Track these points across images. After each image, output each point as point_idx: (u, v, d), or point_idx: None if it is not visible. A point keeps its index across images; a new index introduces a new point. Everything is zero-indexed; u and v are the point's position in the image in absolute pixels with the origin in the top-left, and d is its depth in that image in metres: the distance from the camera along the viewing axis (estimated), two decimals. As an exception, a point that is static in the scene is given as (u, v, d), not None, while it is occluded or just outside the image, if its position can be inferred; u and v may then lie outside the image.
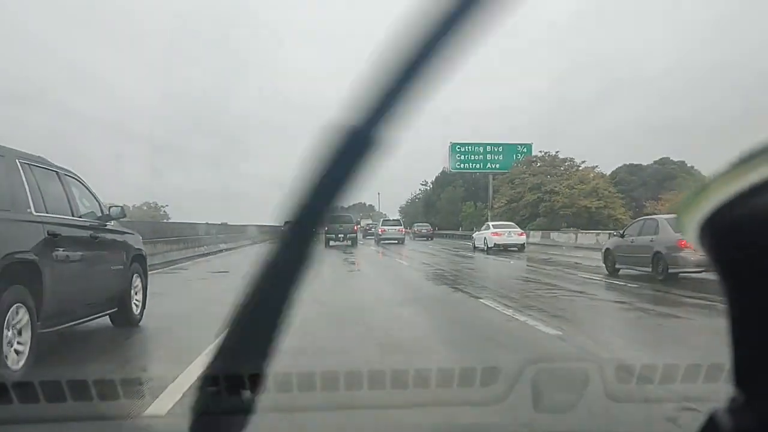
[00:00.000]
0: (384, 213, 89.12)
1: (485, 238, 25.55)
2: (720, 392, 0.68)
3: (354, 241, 29.48)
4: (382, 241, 34.10)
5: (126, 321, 6.38)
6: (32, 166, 4.95)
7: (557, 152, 47.54)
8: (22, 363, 4.16)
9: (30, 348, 4.27)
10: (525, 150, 50.36)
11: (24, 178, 4.71)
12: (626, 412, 3.17)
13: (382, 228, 35.91)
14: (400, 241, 33.75)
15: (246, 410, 0.78)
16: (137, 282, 6.71)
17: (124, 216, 6.56)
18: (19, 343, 4.17)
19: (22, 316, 4.21)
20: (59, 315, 4.84)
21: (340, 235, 28.72)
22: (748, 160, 0.56)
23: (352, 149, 0.72)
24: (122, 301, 6.28)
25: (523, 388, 2.78)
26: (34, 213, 4.68)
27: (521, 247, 25.05)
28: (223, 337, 0.75)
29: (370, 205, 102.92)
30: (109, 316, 6.20)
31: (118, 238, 6.40)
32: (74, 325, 5.30)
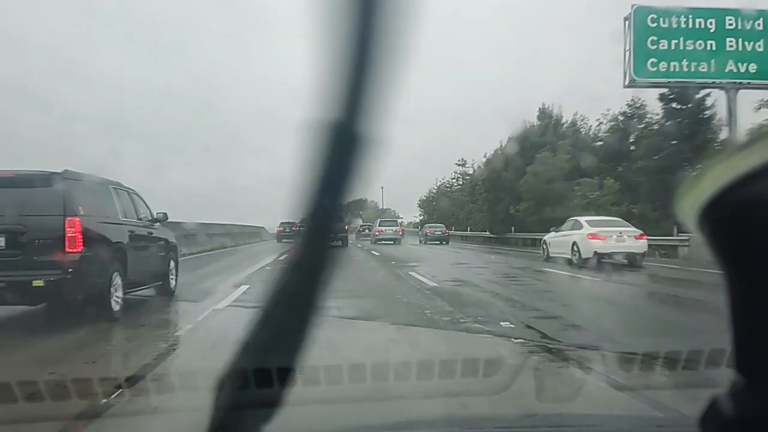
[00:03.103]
0: (393, 210, 79.85)
1: (575, 243, 15.73)
2: (721, 377, 1.05)
3: (345, 242, 28.75)
4: (378, 242, 33.40)
5: (166, 292, 9.25)
6: (117, 188, 7.84)
7: None
8: (118, 309, 7.01)
9: (122, 302, 7.12)
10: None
11: (114, 198, 7.59)
12: (627, 400, 3.15)
13: (378, 228, 35.35)
14: (397, 242, 33.60)
15: (272, 403, 0.81)
16: (172, 265, 9.58)
17: (167, 219, 9.42)
18: (116, 298, 7.02)
19: (118, 281, 7.07)
20: (133, 284, 7.69)
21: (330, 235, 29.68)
22: (752, 143, 0.56)
23: (338, 147, 0.69)
24: (164, 277, 9.15)
25: (526, 378, 2.85)
26: (121, 219, 7.56)
27: (638, 260, 15.47)
28: (249, 333, 0.77)
29: (373, 202, 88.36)
30: (155, 288, 9.06)
31: (162, 234, 9.26)
32: (138, 291, 8.17)
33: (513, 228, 34.79)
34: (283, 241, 39.22)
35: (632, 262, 15.43)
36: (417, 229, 50.12)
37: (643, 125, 30.86)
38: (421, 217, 63.03)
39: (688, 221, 0.62)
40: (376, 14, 0.64)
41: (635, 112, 31.44)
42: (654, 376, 3.50)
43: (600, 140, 34.58)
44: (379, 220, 39.04)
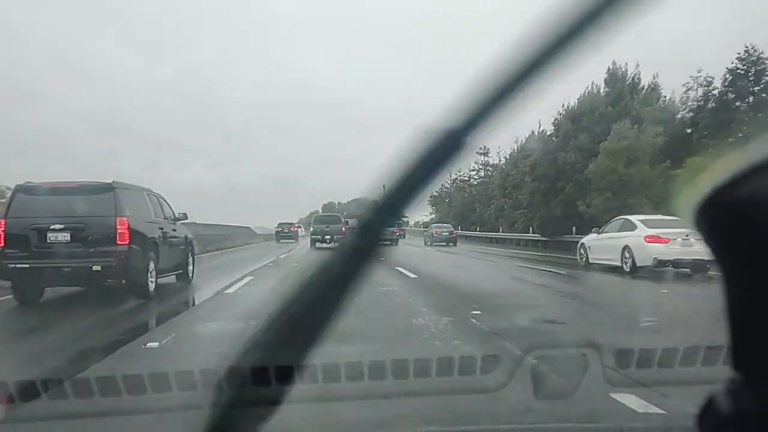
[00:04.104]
0: None
1: (627, 248, 13.25)
2: (719, 374, 0.67)
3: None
4: None
5: (185, 279, 11.09)
6: (148, 194, 9.68)
7: None
8: (152, 289, 8.85)
9: (155, 284, 8.96)
10: None
11: (148, 201, 9.44)
12: (625, 397, 3.13)
13: None
14: (393, 242, 32.71)
15: (273, 401, 0.79)
16: (190, 257, 11.42)
17: (186, 218, 11.27)
18: (151, 280, 8.86)
19: (152, 268, 8.91)
20: (162, 271, 9.53)
21: (326, 237, 27.72)
22: (749, 141, 0.56)
23: (441, 152, 0.70)
24: (184, 267, 11.00)
25: (523, 375, 2.76)
26: (153, 218, 9.40)
27: (707, 267, 11.92)
28: (258, 330, 0.74)
29: (374, 201, 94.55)
30: (176, 276, 10.90)
31: (182, 231, 11.10)
32: (165, 276, 10.01)
33: (575, 228, 24.35)
34: (282, 241, 38.92)
35: (698, 270, 12.12)
36: (424, 230, 44.66)
37: (761, 85, 24.15)
38: (432, 216, 54.92)
39: (686, 218, 0.62)
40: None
41: (750, 68, 24.27)
42: (651, 373, 3.50)
43: (689, 110, 26.03)
44: None
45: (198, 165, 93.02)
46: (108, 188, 8.22)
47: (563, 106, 29.99)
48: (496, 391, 2.82)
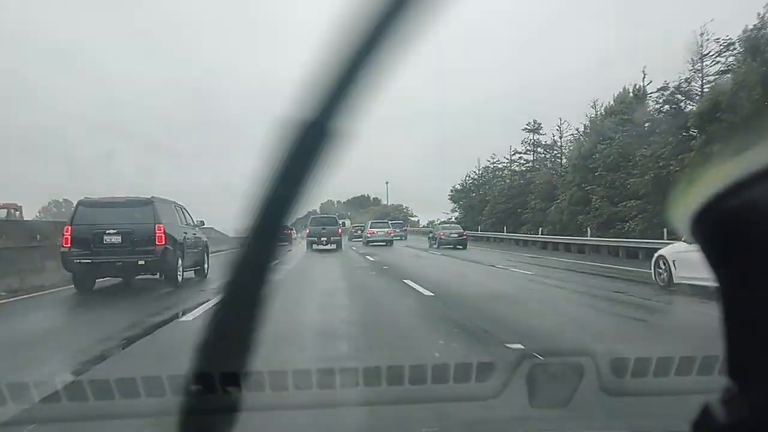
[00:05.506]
0: (405, 207, 71.00)
1: None
2: (714, 383, 0.70)
3: (339, 245, 28.05)
4: (370, 243, 32.95)
5: (201, 275, 13.58)
6: (175, 205, 12.20)
7: None
8: (180, 280, 11.34)
9: (182, 276, 11.45)
10: None
11: (175, 211, 11.95)
12: (621, 406, 3.15)
13: (370, 230, 35.12)
14: (389, 243, 33.01)
15: (233, 409, 0.78)
16: (206, 256, 13.91)
17: (204, 225, 13.77)
18: (179, 273, 11.35)
19: (180, 264, 11.40)
20: (186, 267, 12.02)
21: (323, 239, 27.56)
22: (745, 150, 0.57)
23: (308, 144, 0.69)
24: (201, 264, 13.50)
25: (519, 383, 2.74)
26: (179, 225, 11.91)
27: None
28: (203, 335, 0.75)
29: (376, 199, 78.91)
30: (194, 272, 13.38)
31: (199, 235, 13.60)
32: (187, 271, 12.49)
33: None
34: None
35: None
36: (430, 230, 39.52)
37: None
38: (456, 214, 48.16)
39: (681, 226, 0.62)
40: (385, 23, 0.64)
41: None
42: (647, 382, 3.50)
43: None
44: (371, 222, 37.88)
45: (195, 164, 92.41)
46: (149, 202, 10.75)
47: (697, 40, 21.12)
48: (491, 399, 2.88)
